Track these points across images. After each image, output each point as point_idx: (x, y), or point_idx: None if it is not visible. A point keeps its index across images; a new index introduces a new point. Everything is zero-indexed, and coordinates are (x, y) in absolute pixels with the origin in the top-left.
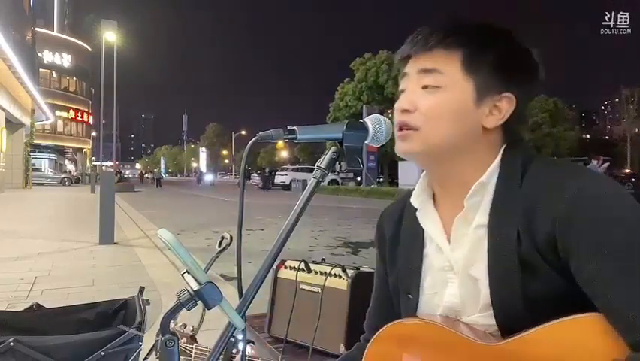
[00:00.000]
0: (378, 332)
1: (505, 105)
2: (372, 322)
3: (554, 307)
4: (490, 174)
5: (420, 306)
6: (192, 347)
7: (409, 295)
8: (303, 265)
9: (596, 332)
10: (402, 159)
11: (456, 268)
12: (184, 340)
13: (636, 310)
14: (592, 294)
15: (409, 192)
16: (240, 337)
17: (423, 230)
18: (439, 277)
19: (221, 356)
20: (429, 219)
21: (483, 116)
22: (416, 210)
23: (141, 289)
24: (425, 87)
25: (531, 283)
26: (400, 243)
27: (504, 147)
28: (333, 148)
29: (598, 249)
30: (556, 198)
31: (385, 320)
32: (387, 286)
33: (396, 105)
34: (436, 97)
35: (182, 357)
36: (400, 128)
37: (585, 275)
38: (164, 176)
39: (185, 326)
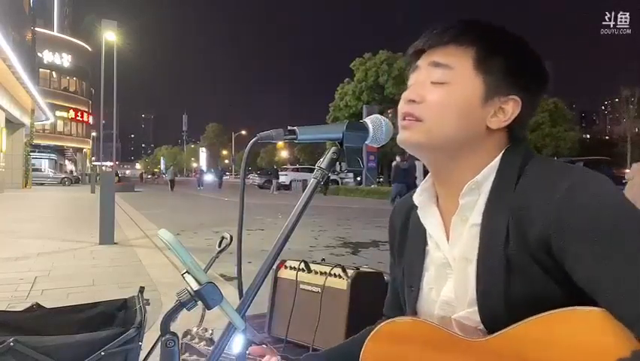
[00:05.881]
0: (374, 330)
1: (511, 108)
2: (387, 311)
3: (534, 309)
4: (486, 174)
5: (419, 300)
6: (210, 349)
7: (412, 288)
8: (303, 265)
9: (587, 327)
10: None
11: (453, 265)
12: (203, 343)
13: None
14: (592, 291)
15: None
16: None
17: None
18: (440, 273)
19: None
20: (429, 218)
21: (488, 117)
22: (417, 208)
23: (141, 289)
24: (434, 82)
25: (514, 283)
26: (408, 237)
27: (506, 147)
28: (333, 148)
29: (592, 247)
30: (546, 198)
31: (399, 309)
32: None
33: (404, 95)
34: (444, 91)
35: (202, 359)
36: (404, 118)
37: (582, 274)
38: (163, 176)
39: (205, 330)
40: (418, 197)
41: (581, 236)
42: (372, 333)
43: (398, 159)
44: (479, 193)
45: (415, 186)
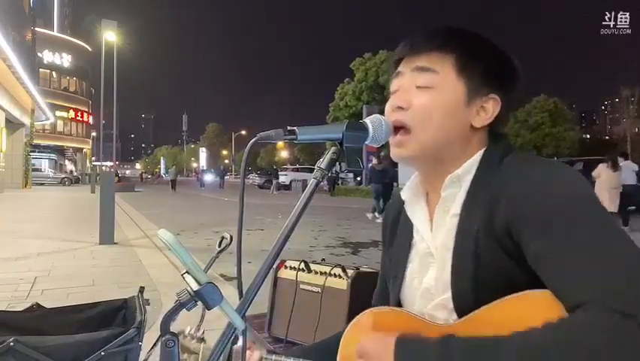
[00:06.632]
0: (354, 319)
1: (491, 106)
2: (376, 301)
3: (502, 294)
4: (467, 168)
5: (402, 290)
6: (201, 346)
7: (396, 278)
8: (303, 265)
9: (542, 307)
10: None
11: (435, 254)
12: (194, 341)
13: (574, 278)
14: (538, 271)
15: None
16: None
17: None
18: (423, 262)
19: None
20: (416, 212)
21: (472, 116)
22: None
23: (141, 289)
24: (419, 87)
25: (483, 269)
26: (398, 230)
27: (488, 144)
28: (333, 148)
29: (541, 228)
30: (513, 187)
31: (386, 299)
32: None
33: (390, 103)
34: (429, 95)
35: (192, 355)
36: (395, 132)
37: (532, 254)
38: (164, 176)
39: (198, 329)
40: (405, 192)
41: (534, 220)
42: (352, 323)
43: (374, 160)
44: (460, 186)
45: (392, 184)
